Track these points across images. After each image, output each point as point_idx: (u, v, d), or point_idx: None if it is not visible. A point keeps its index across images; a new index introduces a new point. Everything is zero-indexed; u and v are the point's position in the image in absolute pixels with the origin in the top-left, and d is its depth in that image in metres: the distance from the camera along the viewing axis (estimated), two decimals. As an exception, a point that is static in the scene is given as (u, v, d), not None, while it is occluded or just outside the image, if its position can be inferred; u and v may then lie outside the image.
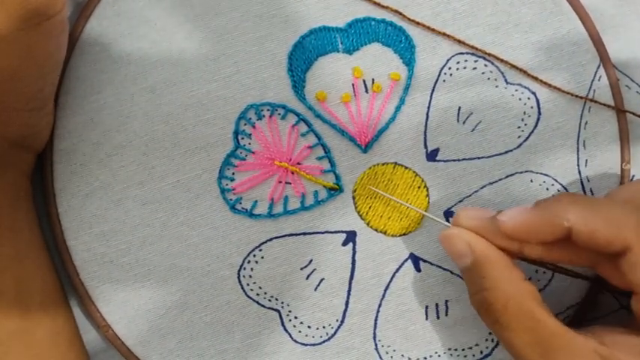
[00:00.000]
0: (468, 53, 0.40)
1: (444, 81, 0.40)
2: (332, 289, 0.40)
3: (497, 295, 0.33)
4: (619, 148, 0.40)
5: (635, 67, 0.41)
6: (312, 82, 0.39)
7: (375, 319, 0.40)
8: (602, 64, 0.40)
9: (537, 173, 0.40)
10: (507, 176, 0.40)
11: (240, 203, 0.40)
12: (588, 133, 0.40)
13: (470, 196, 0.40)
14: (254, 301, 0.40)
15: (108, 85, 0.39)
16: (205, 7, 0.39)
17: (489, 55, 0.39)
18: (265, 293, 0.40)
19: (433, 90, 0.40)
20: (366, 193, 0.40)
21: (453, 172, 0.40)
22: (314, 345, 0.40)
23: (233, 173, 0.40)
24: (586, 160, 0.40)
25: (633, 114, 0.40)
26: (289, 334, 0.40)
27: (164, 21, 0.39)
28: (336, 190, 0.40)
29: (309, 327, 0.40)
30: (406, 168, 0.40)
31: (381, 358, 0.40)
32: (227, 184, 0.40)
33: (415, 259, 0.40)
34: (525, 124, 0.40)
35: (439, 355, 0.40)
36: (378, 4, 0.39)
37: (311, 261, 0.40)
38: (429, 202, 0.40)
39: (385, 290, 0.40)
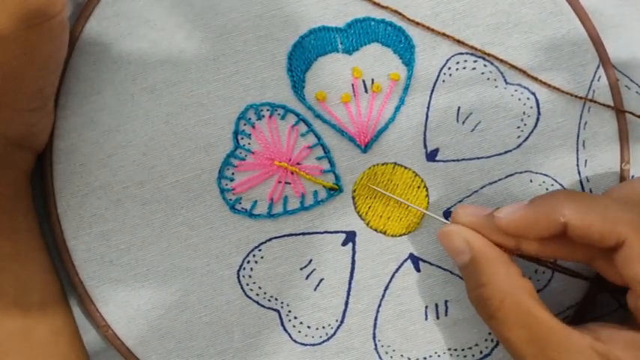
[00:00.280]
0: (467, 53, 0.40)
1: (444, 81, 0.40)
2: (331, 289, 0.40)
3: (494, 291, 0.33)
4: (618, 148, 0.40)
5: (635, 67, 0.41)
6: (311, 82, 0.40)
7: (375, 319, 0.40)
8: (601, 65, 0.40)
9: (537, 173, 0.40)
10: (507, 176, 0.40)
11: (240, 203, 0.40)
12: (588, 134, 0.40)
13: (469, 196, 0.40)
14: (253, 301, 0.40)
15: (108, 85, 0.39)
16: (205, 7, 0.39)
17: (489, 55, 0.39)
18: (265, 293, 0.40)
19: (433, 90, 0.40)
20: (366, 193, 0.40)
21: (452, 172, 0.40)
22: (313, 345, 0.40)
23: (233, 173, 0.40)
24: (585, 160, 0.40)
25: (632, 114, 0.40)
26: (289, 334, 0.40)
27: (164, 21, 0.39)
28: (335, 190, 0.40)
29: (308, 327, 0.40)
30: (406, 168, 0.40)
31: (380, 358, 0.40)
32: (227, 184, 0.40)
33: (415, 259, 0.40)
34: (525, 125, 0.40)
35: (439, 355, 0.40)
36: (378, 4, 0.39)
37: (310, 261, 0.40)
38: (428, 202, 0.40)
39: (385, 290, 0.40)
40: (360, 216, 0.40)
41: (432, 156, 0.40)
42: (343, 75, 0.40)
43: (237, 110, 0.39)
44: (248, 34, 0.39)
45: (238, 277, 0.40)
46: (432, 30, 0.39)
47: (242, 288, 0.40)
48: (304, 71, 0.39)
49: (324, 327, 0.40)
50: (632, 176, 0.40)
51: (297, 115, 0.39)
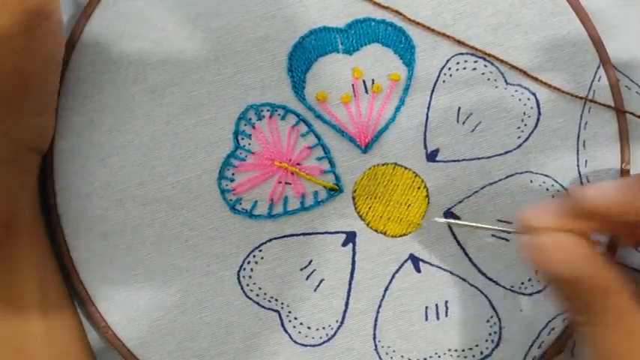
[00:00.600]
0: (467, 54, 0.40)
1: (444, 81, 0.40)
2: (332, 289, 0.40)
3: (613, 331, 0.27)
4: (619, 148, 0.40)
5: (635, 67, 0.40)
6: (312, 83, 0.40)
7: (375, 320, 0.40)
8: (602, 65, 0.40)
9: (537, 174, 0.40)
10: (507, 177, 0.40)
11: (240, 204, 0.40)
12: (588, 134, 0.40)
13: (470, 196, 0.40)
14: (254, 301, 0.40)
15: (108, 86, 0.39)
16: (206, 8, 0.40)
17: (489, 55, 0.39)
18: (265, 294, 0.40)
19: (433, 90, 0.40)
20: (366, 194, 0.40)
21: (452, 173, 0.40)
22: (314, 346, 0.40)
23: (233, 174, 0.40)
24: (586, 161, 0.40)
25: (633, 114, 0.40)
26: (289, 334, 0.40)
27: (164, 21, 0.39)
28: (335, 190, 0.40)
29: (308, 328, 0.40)
30: (406, 168, 0.40)
31: (380, 358, 0.40)
32: (227, 185, 0.40)
33: (415, 260, 0.40)
34: (525, 125, 0.40)
35: (439, 356, 0.40)
36: (378, 4, 0.39)
37: (311, 261, 0.40)
38: (428, 203, 0.40)
39: (385, 291, 0.40)
40: (361, 216, 0.40)
41: (432, 156, 0.40)
42: (343, 75, 0.40)
43: (237, 110, 0.39)
44: (248, 34, 0.39)
45: (238, 278, 0.40)
46: (433, 30, 0.39)
47: (242, 288, 0.40)
48: (304, 71, 0.39)
49: (324, 328, 0.40)
50: (633, 177, 0.40)
51: (298, 115, 0.39)
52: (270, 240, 0.40)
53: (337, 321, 0.40)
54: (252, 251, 0.40)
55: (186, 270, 0.40)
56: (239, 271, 0.40)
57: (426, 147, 0.40)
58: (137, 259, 0.40)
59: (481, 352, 0.40)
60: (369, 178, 0.40)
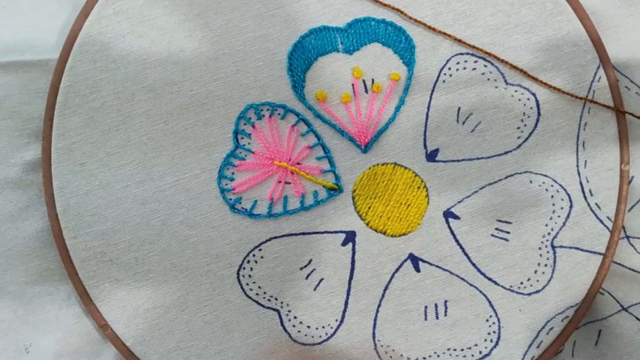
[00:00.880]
0: (467, 54, 0.40)
1: (444, 81, 0.40)
2: (331, 288, 0.40)
3: None
4: (618, 148, 0.40)
5: (635, 68, 0.40)
6: (312, 82, 0.39)
7: (375, 319, 0.40)
8: (601, 65, 0.40)
9: (537, 174, 0.40)
10: (507, 177, 0.40)
11: (240, 203, 0.40)
12: (588, 134, 0.40)
13: (469, 196, 0.40)
14: (253, 300, 0.40)
15: (107, 85, 0.39)
16: (205, 7, 0.39)
17: (489, 55, 0.39)
18: (265, 293, 0.40)
19: (433, 90, 0.40)
20: (366, 193, 0.40)
21: (452, 173, 0.40)
22: (313, 345, 0.40)
23: (233, 173, 0.40)
24: (585, 161, 0.40)
25: (632, 115, 0.40)
26: (288, 333, 0.40)
27: (164, 20, 0.39)
28: (335, 190, 0.40)
29: (308, 327, 0.40)
30: (406, 168, 0.40)
31: (380, 357, 0.40)
32: (227, 184, 0.40)
33: (414, 260, 0.40)
34: (525, 125, 0.40)
35: (438, 356, 0.40)
36: (379, 2, 0.39)
37: (310, 261, 0.40)
38: (428, 203, 0.40)
39: (384, 290, 0.40)
40: (360, 216, 0.40)
41: (432, 156, 0.40)
42: (343, 75, 0.39)
43: (237, 110, 0.39)
44: (248, 33, 0.39)
45: (238, 277, 0.40)
46: (433, 29, 0.39)
47: (242, 288, 0.40)
48: (304, 71, 0.39)
49: (323, 327, 0.40)
50: (632, 177, 0.40)
51: (298, 114, 0.39)
52: (270, 239, 0.40)
53: (337, 320, 0.40)
54: (252, 250, 0.40)
55: (185, 269, 0.40)
56: (239, 270, 0.40)
57: (425, 147, 0.40)
58: (136, 258, 0.39)
59: (480, 352, 0.40)
60: (368, 178, 0.40)
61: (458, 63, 0.40)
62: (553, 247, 0.40)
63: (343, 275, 0.40)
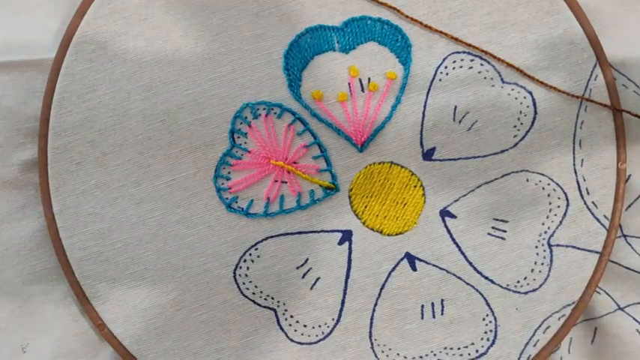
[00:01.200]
0: (464, 52, 0.40)
1: (440, 80, 0.40)
2: (328, 288, 0.40)
3: None
4: (615, 147, 0.40)
5: (632, 66, 0.40)
6: (308, 81, 0.39)
7: (371, 318, 0.40)
8: (598, 64, 0.40)
9: (533, 172, 0.40)
10: (503, 175, 0.40)
11: (236, 202, 0.40)
12: (584, 133, 0.40)
13: (466, 195, 0.40)
14: (250, 300, 0.40)
15: (104, 84, 0.39)
16: (201, 6, 0.39)
17: (486, 53, 0.39)
18: (261, 292, 0.40)
19: (429, 89, 0.40)
20: (362, 192, 0.40)
21: (449, 172, 0.40)
22: (310, 344, 0.40)
23: (229, 172, 0.40)
24: (582, 160, 0.40)
25: (629, 113, 0.40)
26: (285, 332, 0.40)
27: (160, 19, 0.39)
28: (332, 189, 0.40)
29: (304, 326, 0.40)
30: (402, 167, 0.40)
31: (376, 357, 0.40)
32: (223, 183, 0.40)
33: (411, 258, 0.40)
34: (521, 124, 0.40)
35: (435, 354, 0.40)
36: (376, 1, 0.39)
37: (307, 260, 0.40)
38: (424, 202, 0.40)
39: (381, 289, 0.40)
40: (357, 215, 0.40)
41: (428, 155, 0.40)
42: (340, 74, 0.39)
43: (233, 109, 0.39)
44: (244, 32, 0.39)
45: (234, 276, 0.40)
46: (429, 28, 0.39)
47: (238, 287, 0.40)
48: (301, 70, 0.39)
49: (320, 326, 0.40)
50: (629, 175, 0.40)
51: (294, 114, 0.39)
52: (267, 238, 0.40)
53: (333, 319, 0.40)
54: (249, 250, 0.40)
55: (182, 268, 0.40)
56: (235, 270, 0.40)
57: (422, 145, 0.40)
58: (133, 257, 0.39)
59: (477, 351, 0.40)
60: (365, 177, 0.40)
61: (454, 62, 0.40)
62: (550, 245, 0.40)
63: (339, 274, 0.40)
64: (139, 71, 0.39)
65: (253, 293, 0.40)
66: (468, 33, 0.40)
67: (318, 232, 0.40)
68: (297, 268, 0.40)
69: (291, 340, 0.40)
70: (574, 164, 0.40)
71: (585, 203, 0.40)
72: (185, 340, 0.40)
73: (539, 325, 0.40)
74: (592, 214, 0.40)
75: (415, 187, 0.40)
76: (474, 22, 0.40)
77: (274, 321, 0.40)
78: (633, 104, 0.40)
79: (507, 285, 0.40)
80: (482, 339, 0.40)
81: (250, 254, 0.40)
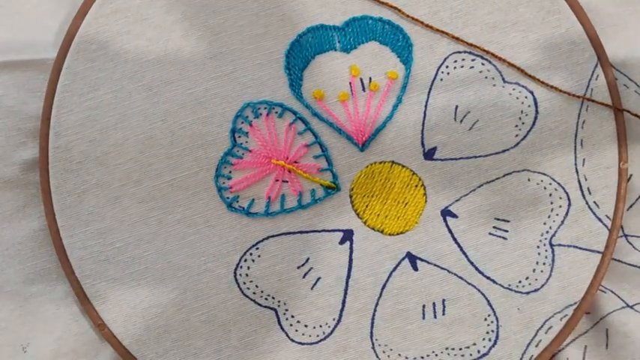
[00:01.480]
0: (465, 52, 0.40)
1: (442, 80, 0.40)
2: (329, 287, 0.40)
3: None
4: (617, 147, 0.40)
5: (633, 66, 0.40)
6: (309, 81, 0.39)
7: (372, 318, 0.40)
8: (599, 64, 0.40)
9: (535, 172, 0.40)
10: (505, 175, 0.40)
11: (237, 202, 0.39)
12: (586, 133, 0.40)
13: (467, 195, 0.40)
14: (250, 299, 0.40)
15: (105, 83, 0.39)
16: (202, 6, 0.39)
17: (487, 52, 0.39)
18: (262, 292, 0.40)
19: (430, 89, 0.40)
20: (363, 192, 0.40)
21: (450, 171, 0.40)
22: (311, 344, 0.40)
23: (230, 172, 0.39)
24: (584, 159, 0.40)
25: (630, 113, 0.40)
26: (286, 333, 0.40)
27: (161, 19, 0.39)
28: (333, 188, 0.40)
29: (305, 326, 0.40)
30: (403, 167, 0.40)
31: (377, 357, 0.40)
32: (224, 183, 0.39)
33: (412, 258, 0.40)
34: (523, 123, 0.40)
35: (436, 355, 0.40)
36: (377, 1, 0.39)
37: (308, 259, 0.40)
38: (426, 201, 0.40)
39: (382, 289, 0.40)
40: (358, 214, 0.40)
41: (429, 154, 0.40)
42: (341, 73, 0.39)
43: (234, 108, 0.39)
44: (245, 32, 0.39)
45: (235, 276, 0.40)
46: (430, 27, 0.39)
47: (239, 286, 0.40)
48: (302, 69, 0.39)
49: (321, 326, 0.40)
50: (631, 175, 0.40)
51: (295, 113, 0.39)
52: (267, 238, 0.40)
53: (334, 319, 0.40)
54: (249, 249, 0.39)
55: (182, 268, 0.39)
56: (236, 269, 0.40)
57: (423, 145, 0.40)
58: (133, 257, 0.39)
59: (478, 351, 0.40)
60: (366, 176, 0.40)
61: (455, 61, 0.40)
62: (551, 245, 0.40)
63: (341, 274, 0.40)
64: (140, 70, 0.39)
65: (254, 293, 0.40)
66: (469, 33, 0.40)
67: (319, 231, 0.40)
68: (298, 267, 0.40)
69: (292, 340, 0.40)
70: (575, 164, 0.40)
71: (587, 203, 0.40)
72: (185, 340, 0.40)
73: (542, 326, 0.40)
74: (594, 213, 0.40)
75: (416, 186, 0.40)
76: (475, 21, 0.40)
77: (275, 321, 0.40)
78: (634, 104, 0.40)
79: (509, 285, 0.40)
80: (483, 339, 0.40)
81: (251, 254, 0.40)
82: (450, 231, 0.40)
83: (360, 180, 0.40)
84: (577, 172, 0.40)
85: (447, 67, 0.40)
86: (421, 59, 0.40)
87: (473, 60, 0.40)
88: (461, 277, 0.40)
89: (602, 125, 0.40)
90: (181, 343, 0.40)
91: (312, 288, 0.40)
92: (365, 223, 0.40)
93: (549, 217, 0.40)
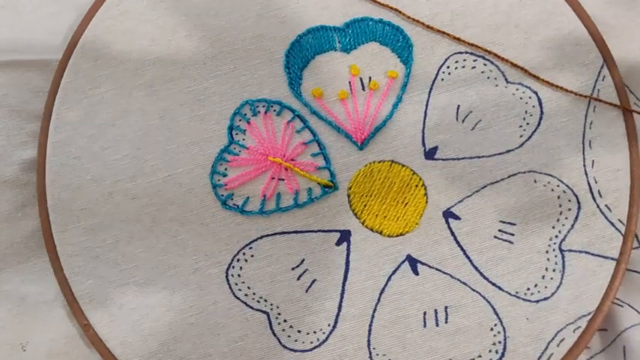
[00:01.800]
0: (466, 53, 0.39)
1: (443, 80, 0.39)
2: (324, 291, 0.38)
3: None
4: (627, 148, 0.38)
5: (635, 78, 0.39)
6: (308, 80, 0.39)
7: (370, 325, 0.37)
8: (605, 64, 0.39)
9: (541, 173, 0.38)
10: (510, 176, 0.38)
11: (232, 199, 0.38)
12: (594, 134, 0.38)
13: (470, 196, 0.38)
14: (242, 301, 0.38)
15: (107, 80, 0.40)
16: (205, 8, 0.40)
17: (489, 53, 0.39)
18: (254, 294, 0.38)
19: (431, 88, 0.39)
20: (362, 191, 0.38)
21: (452, 171, 0.38)
22: (304, 351, 0.37)
23: (226, 169, 0.39)
24: (593, 161, 0.38)
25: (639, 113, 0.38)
26: (278, 338, 0.37)
27: (165, 20, 0.40)
28: (330, 187, 0.38)
29: (299, 331, 0.37)
30: (403, 166, 0.39)
31: (375, 368, 0.37)
32: (219, 180, 0.39)
33: (413, 261, 0.38)
34: (527, 124, 0.38)
35: (438, 367, 0.37)
36: (378, 3, 0.40)
37: (303, 261, 0.38)
38: (427, 202, 0.38)
39: (380, 294, 0.38)
40: (356, 214, 0.38)
41: (430, 154, 0.39)
42: (340, 72, 0.39)
43: (233, 106, 0.39)
44: (246, 32, 0.40)
45: (227, 276, 0.38)
46: (431, 28, 0.39)
47: (230, 287, 0.38)
48: (301, 69, 0.39)
49: (315, 332, 0.37)
50: (644, 178, 0.38)
51: (293, 111, 0.39)
52: (261, 237, 0.38)
53: (329, 325, 0.37)
54: (242, 249, 0.38)
55: (173, 267, 0.38)
56: (228, 269, 0.38)
57: (424, 144, 0.39)
58: (123, 254, 0.38)
59: (484, 363, 0.37)
60: (364, 175, 0.39)
61: (457, 62, 0.39)
62: (561, 250, 0.37)
63: (337, 277, 0.38)
64: (141, 69, 0.40)
65: (245, 295, 0.38)
66: (470, 34, 0.39)
67: (315, 231, 0.38)
68: (293, 269, 0.38)
69: (284, 347, 0.37)
70: (584, 165, 0.38)
71: (598, 206, 0.38)
72: (172, 343, 0.38)
73: (553, 338, 0.37)
74: (606, 217, 0.38)
75: (417, 186, 0.38)
76: (477, 23, 0.39)
77: (266, 325, 0.38)
78: (636, 117, 0.38)
79: (516, 292, 0.37)
80: (490, 351, 0.37)
81: (244, 253, 0.38)
82: (452, 233, 0.38)
83: (359, 179, 0.39)
84: (586, 174, 0.38)
85: (448, 67, 0.39)
86: (422, 59, 0.39)
87: (474, 60, 0.39)
88: (464, 283, 0.37)
89: (611, 127, 0.38)
90: (167, 347, 0.37)
91: (306, 291, 0.38)
92: (363, 223, 0.38)
93: (558, 220, 0.38)
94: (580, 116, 0.38)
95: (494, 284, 0.37)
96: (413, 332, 0.37)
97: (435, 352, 0.37)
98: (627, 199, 0.38)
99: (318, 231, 0.38)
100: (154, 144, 0.39)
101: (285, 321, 0.38)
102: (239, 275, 0.38)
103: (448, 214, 0.38)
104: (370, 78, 0.39)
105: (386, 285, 0.38)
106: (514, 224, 0.38)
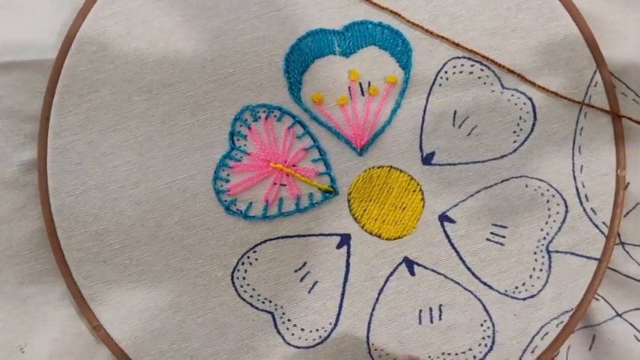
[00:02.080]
0: (464, 57, 0.40)
1: (440, 85, 0.40)
2: (326, 291, 0.40)
3: None
4: (614, 153, 0.40)
5: (632, 74, 0.40)
6: (308, 85, 0.39)
7: (369, 323, 0.40)
8: (598, 70, 0.40)
9: (532, 178, 0.40)
10: (503, 181, 0.40)
11: (235, 205, 0.39)
12: (584, 139, 0.40)
13: (465, 200, 0.40)
14: (247, 302, 0.40)
15: (105, 85, 0.39)
16: (203, 8, 0.40)
17: (486, 59, 0.39)
18: (259, 295, 0.40)
19: (429, 93, 0.40)
20: (361, 196, 0.40)
21: (448, 176, 0.40)
22: (307, 348, 0.40)
23: (228, 174, 0.39)
24: (581, 166, 0.40)
25: (629, 119, 0.40)
26: (282, 336, 0.40)
27: (162, 21, 0.39)
28: (331, 192, 0.40)
29: (302, 329, 0.40)
30: (401, 171, 0.40)
31: (374, 361, 0.40)
32: (222, 185, 0.39)
33: (409, 263, 0.40)
34: (521, 129, 0.40)
35: (432, 360, 0.40)
36: (377, 6, 0.39)
37: (305, 263, 0.40)
38: (423, 206, 0.40)
39: (379, 294, 0.40)
40: (355, 219, 0.40)
41: (428, 159, 0.40)
42: (340, 77, 0.40)
43: (233, 111, 0.39)
44: (245, 35, 0.39)
45: (232, 279, 0.40)
46: (430, 32, 0.39)
47: (236, 289, 0.40)
48: (301, 73, 0.39)
49: (317, 330, 0.40)
50: (628, 183, 0.40)
51: (294, 117, 0.39)
52: (265, 241, 0.40)
53: (331, 323, 0.40)
54: (247, 252, 0.40)
55: (179, 270, 0.39)
56: (233, 272, 0.40)
57: (421, 150, 0.40)
58: (131, 258, 0.39)
59: (474, 356, 0.40)
60: (364, 181, 0.40)
61: (454, 67, 0.40)
62: (548, 251, 0.40)
63: (338, 278, 0.40)
64: (140, 72, 0.39)
65: (251, 296, 0.40)
66: (468, 38, 0.40)
67: (317, 235, 0.40)
68: (296, 271, 0.40)
69: (288, 344, 0.40)
70: (573, 170, 0.40)
71: (584, 209, 0.40)
72: (182, 342, 0.40)
73: (537, 332, 0.40)
74: (591, 220, 0.40)
75: (414, 191, 0.40)
76: (475, 27, 0.40)
77: (272, 324, 0.40)
78: (633, 112, 0.40)
79: (506, 291, 0.40)
80: (479, 345, 0.40)
81: (248, 257, 0.40)
82: (447, 236, 0.40)
83: (358, 184, 0.40)
84: (575, 178, 0.40)
85: (445, 72, 0.40)
86: (420, 64, 0.40)
87: (472, 65, 0.40)
88: (458, 283, 0.40)
89: (600, 132, 0.40)
90: (177, 346, 0.40)
91: (309, 292, 0.40)
92: (362, 227, 0.40)
93: (547, 223, 0.40)
94: (571, 122, 0.40)
95: (485, 284, 0.40)
96: (409, 329, 0.40)
97: (429, 346, 0.40)
98: (612, 203, 0.40)
99: (320, 235, 0.40)
100: (156, 150, 0.39)
101: (289, 320, 0.40)
102: (244, 278, 0.40)
103: (443, 218, 0.40)
104: (369, 83, 0.40)
105: (384, 285, 0.40)
106: (505, 227, 0.40)
